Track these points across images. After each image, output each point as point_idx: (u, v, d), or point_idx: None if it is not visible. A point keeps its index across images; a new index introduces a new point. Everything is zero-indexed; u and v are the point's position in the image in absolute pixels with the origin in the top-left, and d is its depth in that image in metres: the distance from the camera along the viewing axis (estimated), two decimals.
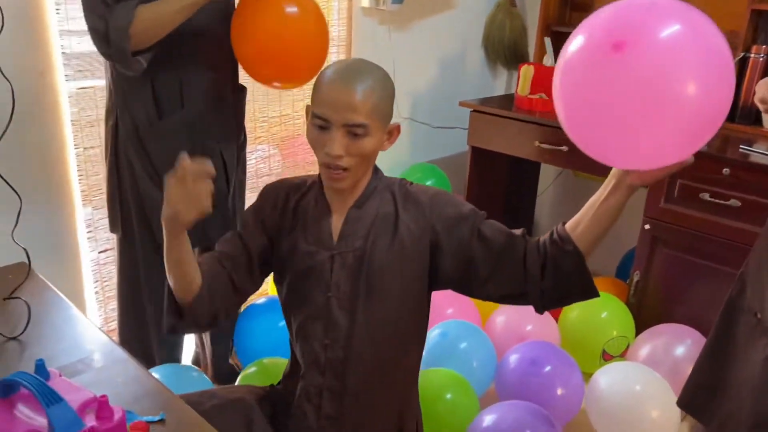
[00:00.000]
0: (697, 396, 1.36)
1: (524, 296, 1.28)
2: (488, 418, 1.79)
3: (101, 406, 0.92)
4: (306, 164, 2.82)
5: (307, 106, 1.27)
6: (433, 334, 2.13)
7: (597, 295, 1.26)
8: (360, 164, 1.23)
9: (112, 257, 2.19)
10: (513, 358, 2.08)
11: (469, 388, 1.94)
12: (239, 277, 1.32)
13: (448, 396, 1.88)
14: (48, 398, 0.88)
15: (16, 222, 1.55)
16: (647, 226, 2.32)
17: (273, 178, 2.66)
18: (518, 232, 1.30)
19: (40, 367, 0.97)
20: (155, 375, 1.40)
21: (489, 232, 1.28)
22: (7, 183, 1.54)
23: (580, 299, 1.27)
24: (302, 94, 2.71)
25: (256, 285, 1.38)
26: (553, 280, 1.24)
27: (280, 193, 1.36)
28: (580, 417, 2.10)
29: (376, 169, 1.34)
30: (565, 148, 2.49)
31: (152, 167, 1.75)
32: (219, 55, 1.76)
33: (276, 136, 2.66)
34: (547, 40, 2.81)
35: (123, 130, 1.72)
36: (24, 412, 0.92)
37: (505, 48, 3.25)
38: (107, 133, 1.75)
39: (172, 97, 1.71)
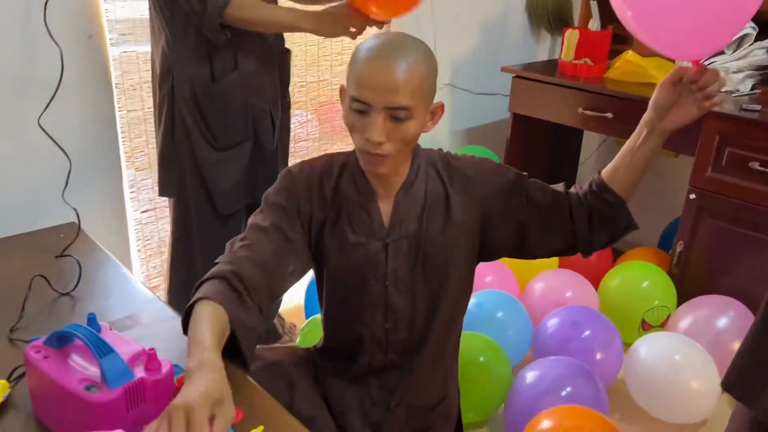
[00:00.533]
0: (743, 377, 1.32)
1: (573, 249, 1.32)
2: (531, 374, 1.80)
3: (150, 358, 0.95)
4: (343, 130, 2.81)
5: (342, 87, 1.18)
6: (469, 303, 2.13)
7: (637, 227, 1.30)
8: (402, 149, 1.14)
9: (154, 217, 2.24)
10: (552, 322, 2.07)
11: (501, 352, 1.95)
12: (277, 273, 1.19)
13: (482, 359, 1.89)
14: (100, 349, 0.91)
15: (66, 183, 1.60)
16: (693, 196, 2.27)
17: (310, 144, 2.67)
18: (560, 187, 1.31)
19: (92, 321, 1.01)
20: None
21: (535, 194, 1.28)
22: (57, 145, 1.59)
23: (623, 235, 1.31)
24: (341, 59, 2.70)
25: (291, 283, 1.25)
26: (601, 228, 1.28)
27: (313, 179, 1.24)
28: (617, 385, 2.09)
29: (416, 144, 1.24)
30: (609, 114, 2.43)
31: (208, 129, 1.78)
32: None
33: (314, 102, 2.66)
34: (594, 4, 2.72)
35: (179, 94, 1.75)
36: (77, 362, 0.95)
37: (548, 12, 3.16)
38: (162, 97, 1.78)
39: (226, 60, 1.74)
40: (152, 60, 1.82)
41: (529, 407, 1.72)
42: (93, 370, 0.93)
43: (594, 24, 2.68)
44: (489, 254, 1.33)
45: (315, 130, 2.69)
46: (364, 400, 1.34)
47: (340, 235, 1.24)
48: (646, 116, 1.25)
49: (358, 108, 1.11)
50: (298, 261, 1.23)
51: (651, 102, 1.24)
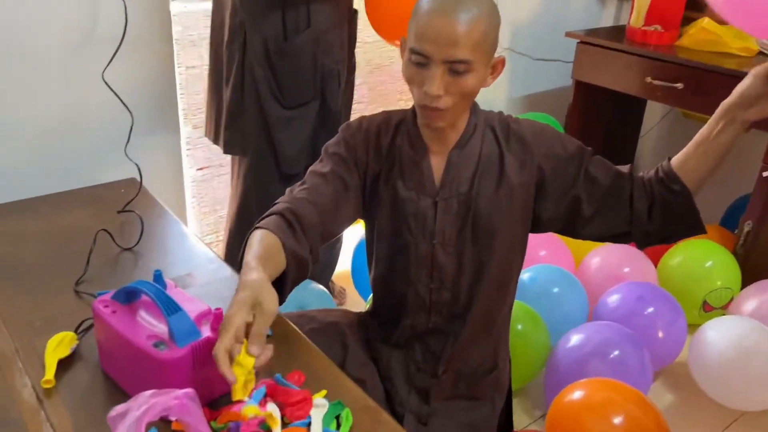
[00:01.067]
0: None
1: (627, 235, 1.25)
2: (575, 337, 1.77)
3: (216, 318, 0.94)
4: (396, 93, 2.76)
5: (403, 39, 1.16)
6: (523, 277, 2.09)
7: (704, 231, 1.23)
8: (460, 103, 1.13)
9: (209, 175, 2.24)
10: (614, 297, 2.02)
11: (540, 320, 1.91)
12: (330, 217, 1.21)
13: (519, 327, 1.85)
14: (168, 307, 0.90)
15: (128, 138, 1.60)
16: (766, 174, 2.15)
17: (363, 105, 2.63)
18: (625, 169, 1.24)
19: (158, 277, 1.01)
20: None
21: (596, 171, 1.22)
22: (120, 100, 1.59)
23: (685, 237, 1.24)
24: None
25: (343, 228, 1.27)
26: (660, 220, 1.21)
27: (370, 132, 1.24)
28: (677, 367, 2.03)
29: (474, 103, 1.24)
30: (680, 85, 2.31)
31: (277, 87, 1.77)
32: None
33: (370, 63, 2.61)
34: None
35: (250, 50, 1.73)
36: (145, 318, 0.95)
37: None
38: (231, 53, 1.76)
39: (299, 17, 1.72)
40: (217, 16, 1.80)
41: (571, 372, 1.70)
42: (160, 327, 0.93)
43: None
44: (539, 225, 1.28)
45: (367, 92, 2.65)
46: (409, 365, 1.33)
47: (392, 189, 1.23)
48: (728, 103, 1.13)
49: (417, 60, 1.09)
50: (352, 207, 1.25)
51: (738, 90, 1.13)
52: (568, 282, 2.09)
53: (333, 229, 1.23)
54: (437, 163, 1.22)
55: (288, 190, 1.22)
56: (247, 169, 1.87)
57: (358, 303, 2.33)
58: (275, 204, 1.17)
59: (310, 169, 1.24)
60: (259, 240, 1.05)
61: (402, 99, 2.78)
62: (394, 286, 1.31)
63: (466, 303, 1.27)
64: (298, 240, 1.12)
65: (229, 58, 1.77)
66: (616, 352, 1.73)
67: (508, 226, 1.23)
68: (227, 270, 1.32)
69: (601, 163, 1.24)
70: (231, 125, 1.83)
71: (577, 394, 1.52)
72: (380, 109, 1.31)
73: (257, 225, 1.11)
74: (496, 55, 1.15)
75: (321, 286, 2.02)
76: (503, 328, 1.39)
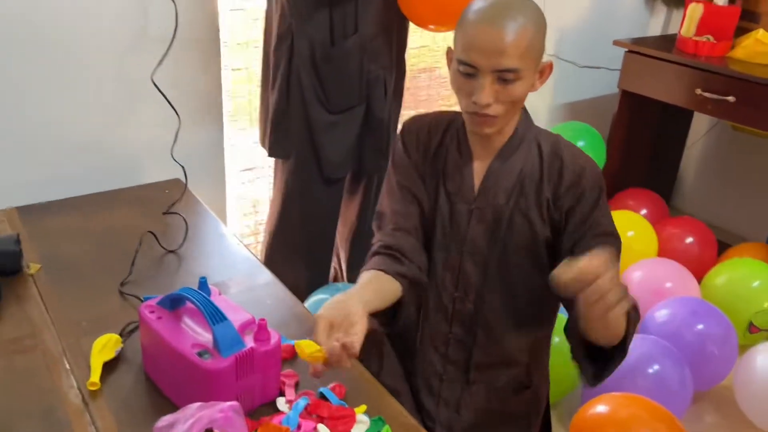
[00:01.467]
0: None
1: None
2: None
3: (260, 328, 0.94)
4: (439, 98, 2.75)
5: (449, 50, 1.16)
6: None
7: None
8: (510, 110, 1.12)
9: (251, 177, 2.26)
10: (663, 312, 1.97)
11: None
12: (421, 231, 1.25)
13: (556, 340, 1.82)
14: (214, 317, 0.91)
15: (175, 140, 1.62)
16: None
17: (404, 111, 2.62)
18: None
19: (203, 284, 1.01)
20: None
21: (590, 236, 1.15)
22: (168, 102, 1.60)
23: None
24: None
25: None
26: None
27: (421, 132, 1.26)
28: (720, 389, 1.97)
29: (526, 113, 1.22)
30: (731, 98, 2.25)
31: (323, 91, 1.78)
32: None
33: (413, 68, 2.60)
34: None
35: (297, 54, 1.74)
36: (189, 325, 0.96)
37: None
38: (278, 57, 1.78)
39: (347, 22, 1.72)
40: (268, 21, 1.81)
41: (607, 385, 1.65)
42: (205, 336, 0.93)
43: None
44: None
45: (411, 97, 2.64)
46: (430, 377, 1.31)
47: (434, 190, 1.24)
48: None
49: (465, 71, 1.09)
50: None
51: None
52: None
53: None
54: (479, 171, 1.21)
55: (374, 225, 1.28)
56: (290, 173, 1.88)
57: None
58: (371, 247, 1.23)
59: (385, 188, 1.28)
60: (363, 279, 1.13)
61: (444, 105, 2.76)
62: (419, 293, 1.30)
63: (489, 315, 1.25)
64: (404, 264, 1.18)
65: (276, 62, 1.78)
66: (656, 368, 1.69)
67: (535, 245, 1.21)
68: (268, 275, 1.33)
69: (600, 235, 1.15)
70: (276, 129, 1.84)
71: (601, 408, 1.49)
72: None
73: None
74: (543, 60, 1.14)
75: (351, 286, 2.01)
76: (537, 344, 1.35)
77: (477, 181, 1.21)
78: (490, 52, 1.05)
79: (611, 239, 1.16)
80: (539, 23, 1.10)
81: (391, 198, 1.26)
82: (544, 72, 1.15)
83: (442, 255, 1.25)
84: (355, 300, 1.00)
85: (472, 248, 1.22)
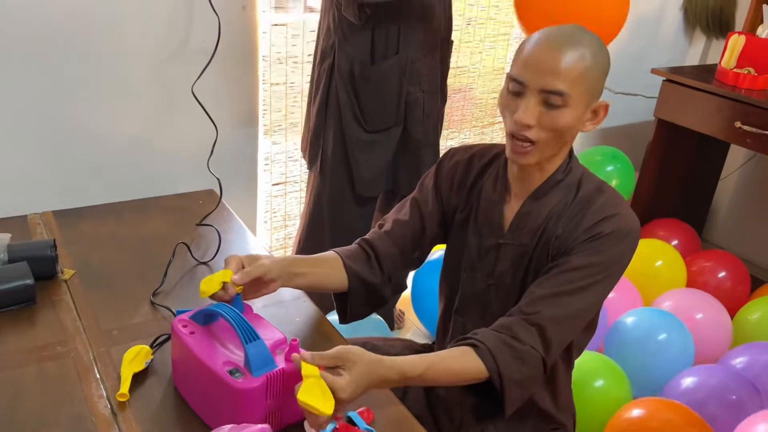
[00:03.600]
0: None
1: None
2: (687, 381, 1.72)
3: (292, 349, 0.93)
4: (473, 119, 2.74)
5: (508, 74, 1.15)
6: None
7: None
8: (551, 140, 1.08)
9: (283, 191, 2.27)
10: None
11: (622, 375, 1.83)
12: (408, 245, 1.27)
13: (599, 383, 1.78)
14: (247, 335, 0.90)
15: (211, 152, 1.63)
16: None
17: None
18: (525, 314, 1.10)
19: (237, 301, 1.01)
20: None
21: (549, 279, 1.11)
22: (207, 114, 1.61)
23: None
24: (481, 46, 2.61)
25: (425, 253, 1.32)
26: None
27: (460, 164, 1.25)
28: None
29: (574, 157, 1.16)
30: None
31: (360, 109, 1.79)
32: (438, 7, 1.78)
33: (450, 88, 2.59)
34: (766, 8, 2.48)
35: (338, 72, 1.76)
36: (222, 342, 0.96)
37: (708, 12, 2.93)
38: (321, 72, 1.80)
39: (389, 43, 1.74)
40: (318, 35, 1.84)
41: None
42: (237, 354, 0.93)
43: (764, 31, 2.44)
44: None
45: (445, 117, 2.63)
46: (453, 408, 1.29)
47: (464, 223, 1.24)
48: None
49: (514, 89, 1.08)
50: (431, 234, 1.28)
51: None
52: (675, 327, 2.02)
53: (415, 256, 1.29)
54: (513, 206, 1.19)
55: (376, 225, 1.29)
56: (322, 187, 1.89)
57: (418, 327, 2.30)
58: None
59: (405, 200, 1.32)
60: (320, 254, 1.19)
61: (476, 126, 2.76)
62: (449, 319, 1.30)
63: None
64: (371, 267, 1.21)
65: (318, 77, 1.80)
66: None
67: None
68: (299, 292, 1.32)
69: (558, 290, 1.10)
70: (314, 143, 1.86)
71: (635, 413, 1.47)
72: (455, 134, 1.32)
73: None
74: (606, 100, 1.11)
75: (377, 316, 2.00)
76: (561, 385, 1.31)
77: (509, 217, 1.19)
78: (542, 71, 1.04)
79: (581, 268, 1.09)
80: (600, 60, 1.08)
81: (400, 208, 1.30)
82: (598, 113, 1.12)
83: (470, 286, 1.24)
84: (272, 257, 1.10)
85: (498, 281, 1.21)
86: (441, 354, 1.06)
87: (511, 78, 1.09)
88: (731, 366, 1.90)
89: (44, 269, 1.25)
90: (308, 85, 1.91)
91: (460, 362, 1.04)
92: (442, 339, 1.35)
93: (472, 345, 1.06)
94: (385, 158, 1.85)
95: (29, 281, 1.17)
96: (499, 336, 1.06)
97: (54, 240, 1.29)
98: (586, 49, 1.05)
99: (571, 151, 1.18)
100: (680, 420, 1.41)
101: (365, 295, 1.24)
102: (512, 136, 1.10)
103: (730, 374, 1.78)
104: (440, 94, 1.92)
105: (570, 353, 1.28)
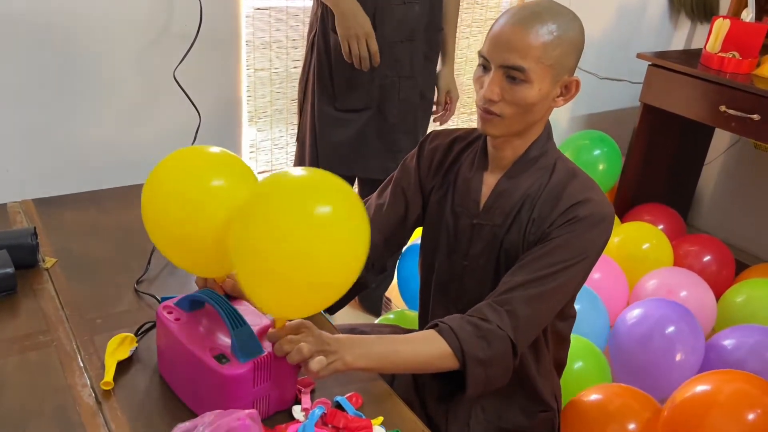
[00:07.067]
0: None
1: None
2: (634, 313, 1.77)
3: (263, 331, 0.92)
4: (460, 105, 2.70)
5: (479, 51, 1.17)
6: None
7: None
8: (517, 115, 1.09)
9: None
10: (729, 341, 1.90)
11: (600, 357, 1.84)
12: (391, 231, 1.28)
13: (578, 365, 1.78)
14: (234, 321, 0.89)
15: (194, 138, 1.61)
16: None
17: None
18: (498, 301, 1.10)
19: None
20: None
21: (525, 264, 1.11)
22: (190, 99, 1.59)
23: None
24: (468, 32, 2.60)
25: (407, 237, 1.33)
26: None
27: (439, 147, 1.26)
28: None
29: (549, 136, 1.17)
30: (756, 116, 2.22)
31: (332, 86, 1.79)
32: None
33: None
34: None
35: (317, 50, 1.77)
36: (208, 328, 0.94)
37: None
38: (308, 47, 1.81)
39: None
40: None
41: None
42: (223, 340, 0.92)
43: (748, 15, 2.45)
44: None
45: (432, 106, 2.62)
46: (443, 389, 1.28)
47: (440, 204, 1.24)
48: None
49: (481, 63, 1.11)
50: (413, 217, 1.28)
51: None
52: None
53: (399, 240, 1.30)
54: (489, 184, 1.19)
55: None
56: (300, 161, 1.91)
57: (404, 311, 2.29)
58: None
59: (385, 183, 1.31)
60: None
61: (464, 113, 2.75)
62: (424, 301, 1.31)
63: None
64: None
65: (306, 51, 1.82)
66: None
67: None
68: None
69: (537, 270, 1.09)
70: (299, 114, 1.89)
71: (701, 388, 1.35)
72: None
73: None
74: (577, 77, 1.11)
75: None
76: (537, 359, 1.31)
77: (484, 197, 1.19)
78: (503, 47, 1.06)
79: (555, 253, 1.09)
80: (567, 33, 1.06)
81: (381, 191, 1.30)
82: (569, 88, 1.11)
83: (446, 267, 1.24)
84: None
85: (473, 263, 1.20)
86: (406, 337, 1.06)
87: (479, 54, 1.11)
88: (719, 347, 1.91)
89: (25, 258, 1.22)
90: (293, 70, 1.90)
91: (424, 347, 1.04)
92: (423, 322, 1.35)
93: (434, 326, 1.06)
94: (352, 139, 1.83)
95: (9, 270, 1.15)
96: (465, 317, 1.06)
97: (35, 228, 1.26)
98: (553, 23, 1.05)
99: (549, 134, 1.18)
100: (756, 390, 1.31)
101: None
102: (479, 107, 1.12)
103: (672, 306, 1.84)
104: (423, 78, 1.88)
105: (558, 336, 1.29)
